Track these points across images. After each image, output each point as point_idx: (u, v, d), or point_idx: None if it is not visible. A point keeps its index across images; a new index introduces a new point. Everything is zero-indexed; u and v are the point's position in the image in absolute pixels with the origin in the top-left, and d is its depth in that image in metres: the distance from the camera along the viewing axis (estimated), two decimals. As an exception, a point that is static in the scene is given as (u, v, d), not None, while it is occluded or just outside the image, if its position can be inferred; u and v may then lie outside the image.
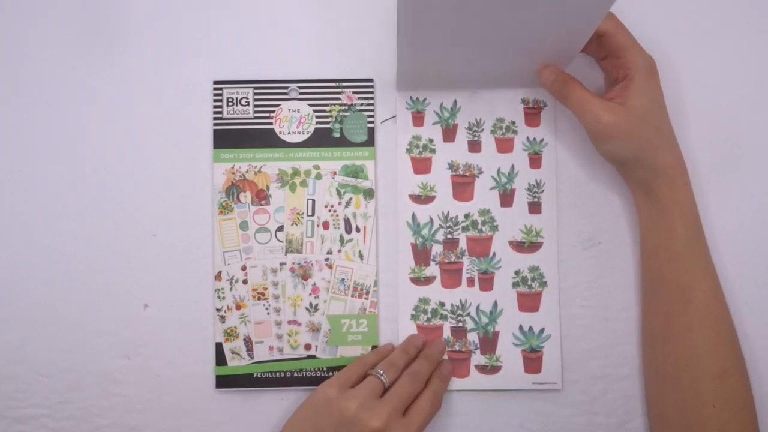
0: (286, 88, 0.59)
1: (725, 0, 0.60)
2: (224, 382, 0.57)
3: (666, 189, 0.52)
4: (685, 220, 0.52)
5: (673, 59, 0.59)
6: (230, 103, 0.59)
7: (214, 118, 0.58)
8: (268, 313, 0.58)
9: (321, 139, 0.59)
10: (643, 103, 0.52)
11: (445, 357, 0.57)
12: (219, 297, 0.58)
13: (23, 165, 0.58)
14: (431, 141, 0.58)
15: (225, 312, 0.58)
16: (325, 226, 0.58)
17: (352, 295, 0.58)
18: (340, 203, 0.58)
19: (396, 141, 0.59)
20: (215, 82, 0.59)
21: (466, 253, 0.58)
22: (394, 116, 0.59)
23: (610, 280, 0.58)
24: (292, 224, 0.58)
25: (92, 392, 0.58)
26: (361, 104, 0.59)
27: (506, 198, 0.58)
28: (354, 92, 0.59)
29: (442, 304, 0.58)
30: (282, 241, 0.58)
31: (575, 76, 0.54)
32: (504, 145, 0.58)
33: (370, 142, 0.59)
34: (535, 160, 0.58)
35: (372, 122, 0.59)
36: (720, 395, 0.50)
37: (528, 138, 0.59)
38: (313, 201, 0.58)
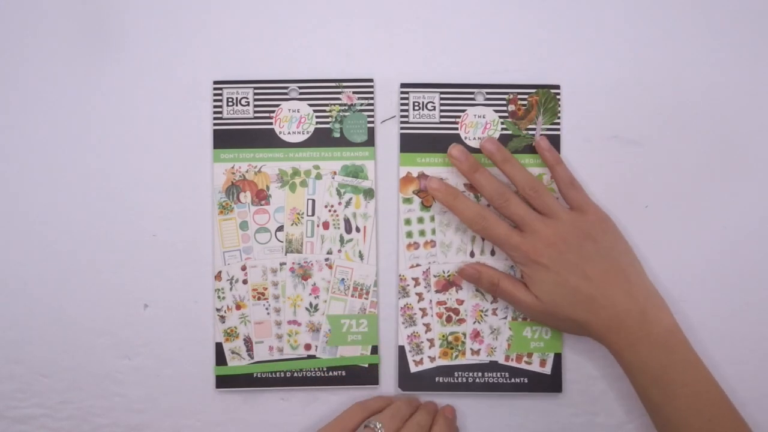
0: (286, 88, 0.59)
1: (726, 2, 0.60)
2: (224, 382, 0.57)
3: (627, 352, 0.51)
4: (658, 382, 0.50)
5: (674, 60, 0.59)
6: (230, 103, 0.59)
7: (214, 118, 0.58)
8: (268, 313, 0.58)
9: (321, 139, 0.59)
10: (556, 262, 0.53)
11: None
12: (219, 297, 0.58)
13: (23, 165, 0.58)
14: None
15: (225, 312, 0.58)
16: (325, 226, 0.58)
17: (352, 295, 0.58)
18: (340, 203, 0.58)
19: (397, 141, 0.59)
20: (215, 82, 0.59)
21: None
22: (394, 116, 0.59)
23: (610, 280, 0.58)
24: (292, 224, 0.58)
25: (92, 392, 0.58)
26: (361, 104, 0.59)
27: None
28: (354, 92, 0.59)
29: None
30: (282, 241, 0.58)
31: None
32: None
33: (370, 142, 0.59)
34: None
35: (372, 122, 0.59)
36: None
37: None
38: (313, 201, 0.58)
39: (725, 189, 0.59)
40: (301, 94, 0.59)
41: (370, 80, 0.59)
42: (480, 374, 0.57)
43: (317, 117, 0.59)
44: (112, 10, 0.59)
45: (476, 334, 0.57)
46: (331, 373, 0.58)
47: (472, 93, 0.58)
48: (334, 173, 0.58)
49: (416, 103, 0.58)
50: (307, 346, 0.58)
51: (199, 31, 0.59)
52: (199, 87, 0.59)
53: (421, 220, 0.58)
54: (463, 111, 0.58)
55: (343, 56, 0.59)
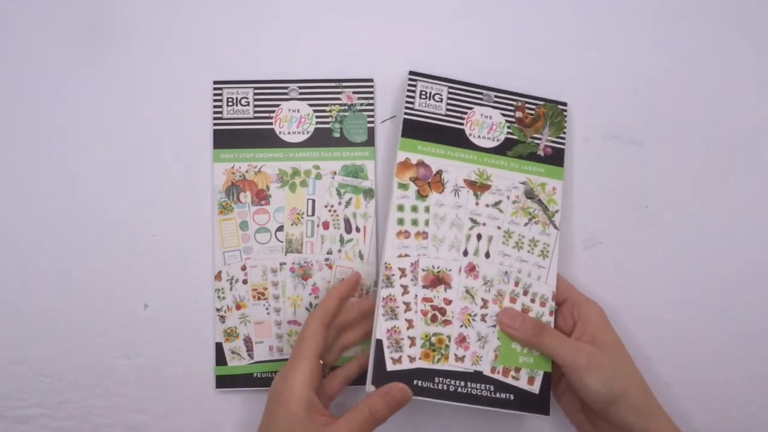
0: (286, 88, 0.59)
1: (725, 1, 0.60)
2: (224, 382, 0.57)
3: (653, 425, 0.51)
4: None
5: (674, 60, 0.59)
6: (230, 103, 0.59)
7: (214, 118, 0.58)
8: (268, 313, 0.58)
9: (321, 139, 0.59)
10: (609, 338, 0.53)
11: None
12: (219, 297, 0.58)
13: (23, 165, 0.58)
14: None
15: (225, 312, 0.58)
16: (325, 226, 0.58)
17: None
18: (340, 203, 0.58)
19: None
20: (215, 82, 0.59)
21: None
22: (394, 116, 0.59)
23: (610, 280, 0.58)
24: (292, 224, 0.58)
25: (92, 392, 0.58)
26: (361, 104, 0.59)
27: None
28: (354, 92, 0.59)
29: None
30: (282, 241, 0.58)
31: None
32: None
33: (370, 142, 0.59)
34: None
35: (372, 122, 0.59)
36: None
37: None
38: (313, 201, 0.58)
39: (725, 189, 0.59)
40: (301, 94, 0.59)
41: (370, 80, 0.59)
42: (462, 383, 0.53)
43: (317, 117, 0.59)
44: (112, 10, 0.59)
45: (462, 339, 0.54)
46: (330, 373, 0.57)
47: (480, 93, 0.58)
48: (334, 173, 0.58)
49: (423, 92, 0.57)
50: (307, 346, 0.58)
51: (199, 31, 0.59)
52: (199, 87, 0.59)
53: (415, 209, 0.56)
54: (470, 109, 0.58)
55: (343, 56, 0.59)
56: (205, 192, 0.58)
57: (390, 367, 0.53)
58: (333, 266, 0.58)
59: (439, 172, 0.56)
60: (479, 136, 0.57)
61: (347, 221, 0.58)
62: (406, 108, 0.57)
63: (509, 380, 0.54)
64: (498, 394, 0.53)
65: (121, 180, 0.58)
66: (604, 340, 0.52)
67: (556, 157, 0.58)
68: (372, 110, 0.59)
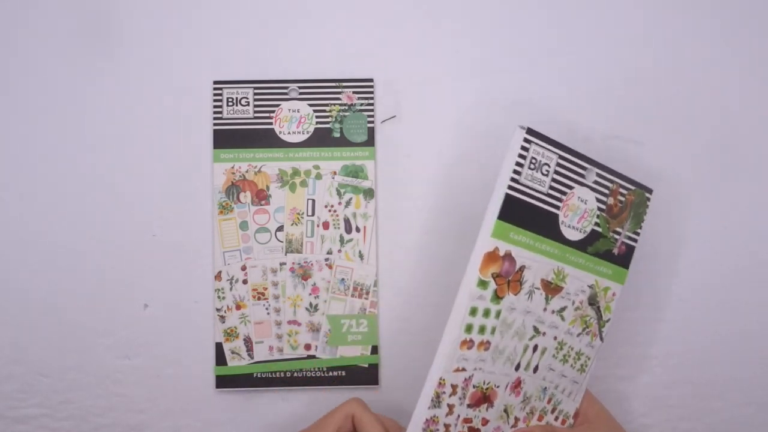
0: (286, 88, 0.59)
1: (725, 2, 0.60)
2: (224, 382, 0.57)
3: None
4: None
5: (674, 59, 0.59)
6: (230, 103, 0.59)
7: (214, 118, 0.58)
8: (268, 313, 0.58)
9: (321, 139, 0.59)
10: (597, 411, 0.52)
11: None
12: (219, 297, 0.58)
13: (22, 165, 0.58)
14: None
15: (225, 312, 0.58)
16: (325, 226, 0.58)
17: (352, 295, 0.58)
18: (340, 203, 0.58)
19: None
20: (215, 82, 0.59)
21: None
22: (394, 116, 0.59)
23: (610, 280, 0.58)
24: (292, 224, 0.58)
25: (92, 392, 0.58)
26: (361, 104, 0.59)
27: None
28: (354, 92, 0.59)
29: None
30: (282, 241, 0.58)
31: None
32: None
33: (370, 142, 0.59)
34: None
35: (372, 122, 0.59)
36: None
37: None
38: (313, 201, 0.58)
39: (725, 189, 0.59)
40: (301, 94, 0.59)
41: (370, 80, 0.59)
42: None
43: (317, 117, 0.59)
44: (112, 9, 0.59)
45: None
46: (331, 373, 0.58)
47: (584, 167, 0.49)
48: (334, 173, 0.58)
49: (534, 161, 0.46)
50: (307, 346, 0.58)
51: (199, 31, 0.59)
52: (199, 87, 0.59)
53: (487, 313, 0.47)
54: (571, 189, 0.49)
55: (343, 56, 0.59)
56: (205, 192, 0.58)
57: None
58: (333, 266, 0.58)
59: (522, 269, 0.47)
60: (569, 226, 0.49)
61: (347, 221, 0.58)
62: (513, 179, 0.46)
63: None
64: None
65: (121, 180, 0.58)
66: (592, 414, 0.52)
67: (626, 257, 0.52)
68: (372, 110, 0.59)
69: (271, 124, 0.59)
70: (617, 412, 0.58)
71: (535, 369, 0.50)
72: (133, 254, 0.58)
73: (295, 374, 0.58)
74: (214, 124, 0.58)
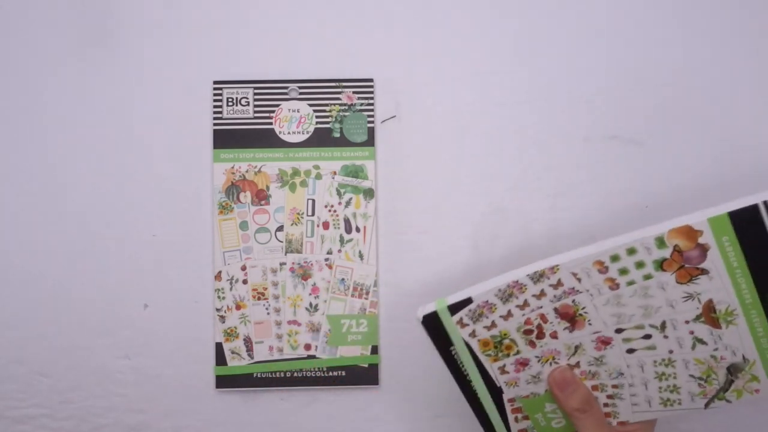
0: (286, 88, 0.59)
1: (725, 2, 0.60)
2: (224, 382, 0.57)
3: None
4: None
5: (674, 59, 0.59)
6: (230, 103, 0.59)
7: (214, 118, 0.58)
8: (268, 313, 0.58)
9: (321, 139, 0.59)
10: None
11: None
12: (219, 297, 0.58)
13: (22, 165, 0.58)
14: None
15: (225, 312, 0.58)
16: (325, 226, 0.58)
17: (352, 295, 0.58)
18: (340, 203, 0.58)
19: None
20: (215, 82, 0.59)
21: None
22: (394, 116, 0.59)
23: (610, 280, 0.58)
24: (292, 224, 0.58)
25: (92, 392, 0.58)
26: (361, 104, 0.59)
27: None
28: (354, 92, 0.59)
29: None
30: (282, 241, 0.58)
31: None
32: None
33: (370, 142, 0.59)
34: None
35: (372, 122, 0.59)
36: None
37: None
38: (313, 201, 0.58)
39: (725, 189, 0.59)
40: (301, 94, 0.59)
41: (370, 80, 0.59)
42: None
43: (317, 117, 0.59)
44: (112, 10, 0.59)
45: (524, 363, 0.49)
46: (331, 373, 0.58)
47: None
48: (334, 173, 0.58)
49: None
50: (307, 346, 0.58)
51: (199, 31, 0.59)
52: (199, 87, 0.59)
53: (639, 266, 0.46)
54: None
55: (343, 56, 0.59)
56: (205, 192, 0.58)
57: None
58: (333, 266, 0.58)
59: (703, 271, 0.46)
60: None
61: (347, 221, 0.58)
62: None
63: None
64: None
65: (120, 180, 0.58)
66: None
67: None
68: (372, 110, 0.59)
69: (271, 124, 0.59)
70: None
71: (631, 351, 0.48)
72: (133, 254, 0.58)
73: (295, 374, 0.58)
74: (214, 124, 0.58)
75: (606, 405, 0.49)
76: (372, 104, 0.59)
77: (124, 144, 0.59)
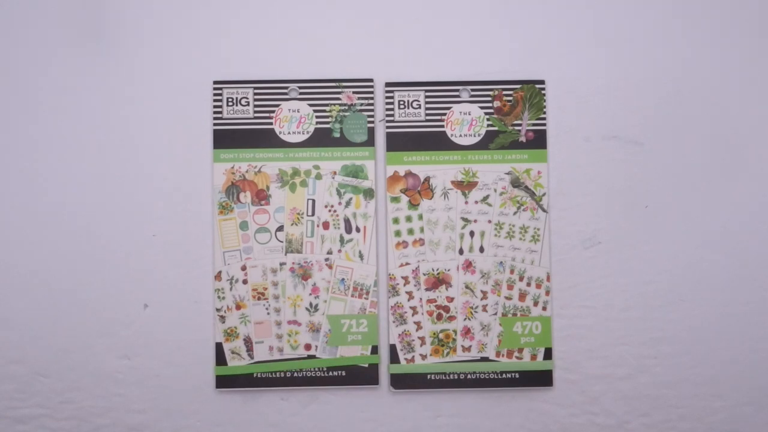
0: (286, 88, 0.59)
1: (725, 2, 0.60)
2: (224, 382, 0.57)
3: None
4: None
5: (674, 59, 0.59)
6: (230, 103, 0.59)
7: (214, 118, 0.58)
8: (268, 313, 0.58)
9: (321, 139, 0.59)
10: None
11: None
12: (219, 297, 0.58)
13: (23, 165, 0.58)
14: None
15: (225, 312, 0.58)
16: (325, 226, 0.58)
17: (352, 295, 0.58)
18: (340, 203, 0.58)
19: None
20: (215, 82, 0.59)
21: None
22: (393, 116, 0.59)
23: (610, 280, 0.58)
24: (292, 224, 0.58)
25: (92, 392, 0.58)
26: (361, 104, 0.59)
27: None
28: (354, 92, 0.59)
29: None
30: (282, 241, 0.58)
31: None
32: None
33: (370, 142, 0.59)
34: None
35: (372, 122, 0.59)
36: None
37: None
38: (313, 201, 0.58)
39: (725, 189, 0.59)
40: (301, 94, 0.59)
41: (370, 80, 0.59)
42: (472, 371, 0.57)
43: (317, 117, 0.59)
44: (112, 9, 0.59)
45: (467, 331, 0.58)
46: (331, 373, 0.58)
47: (457, 90, 0.58)
48: (334, 173, 0.58)
49: (401, 102, 0.58)
50: (307, 346, 0.58)
51: (199, 31, 0.59)
52: (199, 87, 0.59)
53: (409, 219, 0.58)
54: (449, 108, 0.58)
55: (343, 56, 0.59)
56: (205, 192, 0.58)
57: (404, 368, 0.58)
58: (333, 266, 0.58)
59: (427, 179, 0.58)
60: (460, 135, 0.58)
61: (347, 221, 0.58)
62: (388, 121, 0.58)
63: (513, 361, 0.58)
64: (504, 375, 0.57)
65: (120, 180, 0.58)
66: None
67: (538, 141, 0.59)
68: (372, 110, 0.59)
69: (271, 124, 0.59)
70: (618, 411, 0.58)
71: (481, 249, 0.58)
72: (133, 254, 0.58)
73: (295, 374, 0.58)
74: (214, 124, 0.58)
75: (528, 284, 0.58)
76: (372, 104, 0.59)
77: (124, 144, 0.59)
